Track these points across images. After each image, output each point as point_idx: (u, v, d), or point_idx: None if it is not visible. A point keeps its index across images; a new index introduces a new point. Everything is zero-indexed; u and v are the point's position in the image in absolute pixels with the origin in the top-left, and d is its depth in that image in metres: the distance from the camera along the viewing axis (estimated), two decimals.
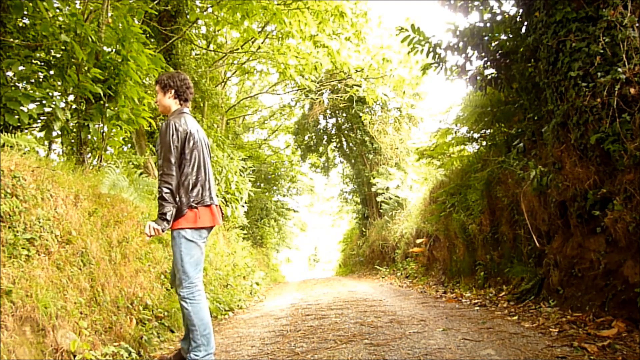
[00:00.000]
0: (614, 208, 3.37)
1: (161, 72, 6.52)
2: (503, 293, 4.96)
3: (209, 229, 2.98)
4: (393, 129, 15.48)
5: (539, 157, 4.58)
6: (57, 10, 5.59)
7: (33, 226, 3.03)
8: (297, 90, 16.33)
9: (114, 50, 5.29)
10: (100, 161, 5.35)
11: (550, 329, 3.28)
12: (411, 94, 14.99)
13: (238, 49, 12.43)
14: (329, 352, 3.14)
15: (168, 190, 2.74)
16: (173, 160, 2.78)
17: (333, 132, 17.92)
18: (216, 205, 2.99)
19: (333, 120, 17.72)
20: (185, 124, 2.89)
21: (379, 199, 14.21)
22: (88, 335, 3.02)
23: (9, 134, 3.83)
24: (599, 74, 3.49)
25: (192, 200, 2.83)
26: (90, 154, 5.27)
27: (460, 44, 5.22)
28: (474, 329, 3.54)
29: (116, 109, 5.21)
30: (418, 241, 9.34)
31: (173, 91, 3.01)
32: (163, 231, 2.74)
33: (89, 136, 5.07)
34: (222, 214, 3.06)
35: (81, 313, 3.08)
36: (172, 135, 2.81)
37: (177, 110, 3.02)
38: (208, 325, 2.84)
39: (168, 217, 2.73)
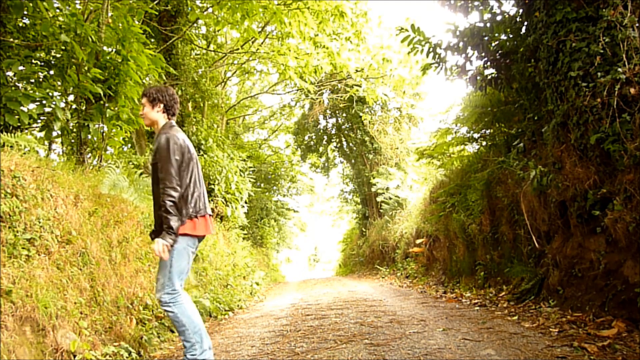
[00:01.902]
0: (614, 208, 3.37)
1: (161, 72, 6.54)
2: (503, 293, 4.96)
3: (202, 237, 3.04)
4: (393, 129, 15.48)
5: (539, 157, 4.58)
6: (57, 10, 5.60)
7: (33, 226, 3.03)
8: (297, 90, 16.33)
9: (114, 50, 5.29)
10: (100, 161, 5.35)
11: (550, 329, 3.28)
12: (411, 94, 14.99)
13: (238, 49, 12.43)
14: (329, 352, 3.14)
15: (172, 203, 2.77)
16: (174, 172, 2.83)
17: (333, 132, 17.92)
18: (210, 215, 3.06)
19: (333, 120, 17.73)
20: (182, 138, 2.95)
21: (379, 199, 14.21)
22: (88, 335, 3.02)
23: (9, 134, 3.83)
24: (599, 74, 3.49)
25: (191, 211, 2.88)
26: (90, 154, 5.27)
27: (460, 44, 5.22)
28: (474, 329, 3.54)
29: (116, 109, 5.21)
30: (418, 241, 9.34)
31: (162, 105, 3.04)
32: (172, 246, 2.77)
33: (89, 136, 5.08)
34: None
35: (81, 313, 3.08)
36: (174, 149, 2.85)
37: (168, 124, 3.05)
38: (198, 322, 2.85)
39: (175, 230, 2.76)
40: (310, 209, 30.14)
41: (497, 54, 5.03)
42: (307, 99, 17.05)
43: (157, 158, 2.87)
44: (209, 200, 10.05)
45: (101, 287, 3.48)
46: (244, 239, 11.89)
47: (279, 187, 21.94)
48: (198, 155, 9.72)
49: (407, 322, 4.07)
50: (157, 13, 8.53)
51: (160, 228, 2.79)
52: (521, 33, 4.78)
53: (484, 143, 6.76)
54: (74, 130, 5.07)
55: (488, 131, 6.46)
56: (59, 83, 5.02)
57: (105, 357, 3.02)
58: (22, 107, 4.29)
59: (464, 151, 7.70)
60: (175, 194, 2.79)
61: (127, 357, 3.20)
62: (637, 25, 3.50)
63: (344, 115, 16.74)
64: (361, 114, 15.47)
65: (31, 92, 4.56)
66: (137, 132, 8.39)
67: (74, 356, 2.78)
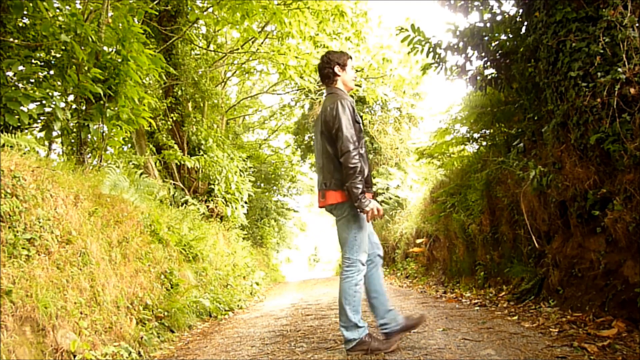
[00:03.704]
0: (614, 208, 3.37)
1: (161, 72, 6.52)
2: (503, 293, 4.96)
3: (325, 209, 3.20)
4: (393, 129, 15.48)
5: (539, 157, 4.57)
6: (57, 10, 5.60)
7: (33, 226, 3.03)
8: (297, 90, 16.33)
9: (114, 50, 5.29)
10: (101, 161, 5.35)
11: (550, 329, 3.28)
12: (411, 93, 14.99)
13: (238, 49, 12.43)
14: (329, 352, 3.14)
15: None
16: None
17: None
18: (319, 191, 3.17)
19: None
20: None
21: (379, 198, 14.20)
22: (88, 335, 3.02)
23: (9, 134, 3.83)
24: (599, 74, 3.49)
25: None
26: (90, 154, 5.27)
27: (460, 44, 5.22)
28: (474, 329, 3.54)
29: (116, 109, 5.21)
30: (418, 241, 9.33)
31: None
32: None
33: (89, 136, 5.07)
34: (324, 198, 3.15)
35: (81, 313, 3.08)
36: None
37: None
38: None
39: None
40: (310, 209, 30.12)
41: (497, 54, 5.03)
42: (307, 99, 17.04)
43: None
44: (210, 200, 10.06)
45: (101, 287, 3.48)
46: (244, 239, 11.89)
47: (279, 187, 21.92)
48: (197, 155, 9.74)
49: None
50: (157, 13, 8.52)
51: None
52: (521, 33, 4.78)
53: (483, 143, 6.76)
54: (74, 130, 5.07)
55: (488, 131, 6.45)
56: (59, 83, 5.01)
57: (105, 357, 3.02)
58: (22, 107, 4.29)
59: (464, 151, 7.70)
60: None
61: (127, 357, 3.20)
62: (637, 25, 3.50)
63: None
64: (361, 114, 15.46)
65: (31, 92, 4.55)
66: (137, 132, 8.39)
67: (74, 356, 2.78)
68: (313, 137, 3.25)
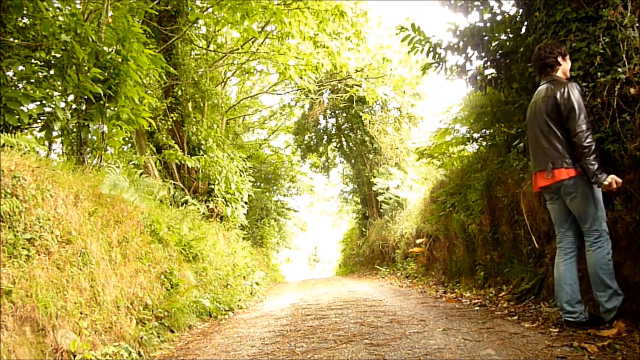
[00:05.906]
0: (614, 208, 3.37)
1: (161, 72, 6.52)
2: (503, 293, 4.96)
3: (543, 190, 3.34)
4: (393, 128, 15.47)
5: None
6: (57, 10, 5.60)
7: (33, 226, 3.03)
8: (297, 90, 16.33)
9: (114, 50, 5.29)
10: (101, 161, 5.35)
11: (550, 329, 3.28)
12: (411, 93, 14.98)
13: (238, 49, 12.43)
14: (329, 352, 3.14)
15: None
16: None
17: (333, 132, 17.91)
18: (541, 172, 3.30)
19: (333, 120, 17.72)
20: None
21: (379, 198, 14.20)
22: (88, 335, 3.02)
23: (9, 134, 3.83)
24: (599, 74, 3.49)
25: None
26: (90, 154, 5.27)
27: (460, 44, 5.21)
28: (474, 329, 3.54)
29: (116, 109, 5.21)
30: (418, 241, 9.33)
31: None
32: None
33: (89, 136, 5.08)
34: (548, 176, 3.23)
35: (81, 313, 3.08)
36: None
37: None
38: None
39: None
40: (310, 209, 30.15)
41: (497, 54, 5.02)
42: (307, 99, 17.05)
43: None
44: (210, 200, 10.05)
45: (101, 287, 3.49)
46: (244, 239, 11.89)
47: (279, 187, 21.94)
48: (197, 155, 9.74)
49: (407, 322, 4.07)
50: (157, 13, 8.52)
51: None
52: (521, 33, 4.77)
53: (483, 143, 6.75)
54: (74, 130, 5.07)
55: (488, 131, 6.45)
56: (59, 83, 5.02)
57: (105, 357, 3.02)
58: (22, 107, 4.29)
59: (464, 151, 7.69)
60: None
61: (127, 357, 3.20)
62: (637, 25, 3.50)
63: (344, 115, 16.73)
64: (361, 114, 15.46)
65: (31, 92, 4.56)
66: (137, 132, 8.39)
67: (74, 356, 2.78)
68: (528, 126, 3.53)
